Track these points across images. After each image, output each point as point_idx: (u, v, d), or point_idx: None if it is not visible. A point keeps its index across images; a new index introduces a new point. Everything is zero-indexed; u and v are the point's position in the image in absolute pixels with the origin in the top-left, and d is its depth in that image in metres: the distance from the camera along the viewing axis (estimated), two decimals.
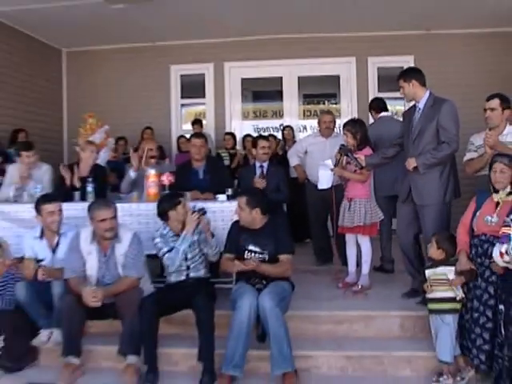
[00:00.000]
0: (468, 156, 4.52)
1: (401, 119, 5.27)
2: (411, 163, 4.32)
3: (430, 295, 3.81)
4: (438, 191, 4.32)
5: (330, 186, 5.11)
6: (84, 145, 5.62)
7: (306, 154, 6.09)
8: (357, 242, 5.00)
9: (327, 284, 5.23)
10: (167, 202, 4.33)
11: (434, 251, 3.91)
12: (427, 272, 3.86)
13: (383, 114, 5.80)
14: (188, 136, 7.63)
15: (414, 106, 4.53)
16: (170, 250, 4.22)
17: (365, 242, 4.92)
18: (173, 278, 4.33)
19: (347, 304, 4.57)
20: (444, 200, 4.35)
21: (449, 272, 3.74)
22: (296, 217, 6.79)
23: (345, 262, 5.30)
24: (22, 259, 4.41)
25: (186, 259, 4.27)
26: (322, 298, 4.73)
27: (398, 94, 4.66)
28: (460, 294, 3.68)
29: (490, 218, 3.74)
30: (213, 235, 4.38)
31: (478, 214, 3.83)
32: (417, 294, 4.51)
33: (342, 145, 4.91)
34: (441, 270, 3.78)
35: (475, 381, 3.68)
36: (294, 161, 6.25)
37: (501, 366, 3.40)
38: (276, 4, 7.01)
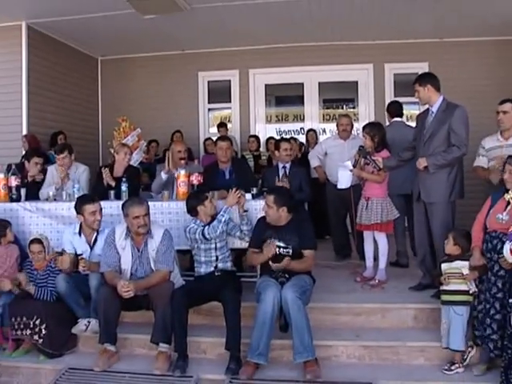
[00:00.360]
0: (477, 162, 4.63)
1: (413, 125, 5.42)
2: (421, 163, 4.48)
3: (444, 287, 3.95)
4: (445, 190, 4.48)
5: (348, 185, 5.26)
6: (118, 147, 5.78)
7: (326, 155, 6.26)
8: (374, 238, 5.14)
9: (346, 278, 5.36)
10: (195, 199, 4.56)
11: (450, 247, 4.03)
12: (443, 265, 3.99)
13: (396, 119, 5.90)
14: (214, 138, 7.86)
15: (428, 109, 4.68)
16: (208, 224, 4.44)
17: (381, 239, 5.06)
18: (202, 270, 4.51)
19: (364, 297, 4.71)
20: (449, 199, 4.50)
21: (463, 267, 3.87)
22: (316, 215, 6.94)
23: (362, 258, 5.46)
24: (61, 253, 4.55)
25: (215, 249, 4.48)
26: (341, 291, 4.88)
27: (413, 99, 4.79)
28: (473, 288, 3.82)
29: (501, 216, 3.83)
30: (245, 210, 4.66)
31: (491, 211, 3.94)
32: (424, 288, 4.70)
33: (361, 146, 5.06)
34: (456, 264, 3.91)
35: (483, 370, 3.80)
36: (314, 162, 6.44)
37: (510, 356, 3.50)
38: (298, 14, 7.16)
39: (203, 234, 4.41)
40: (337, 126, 6.29)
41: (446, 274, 3.96)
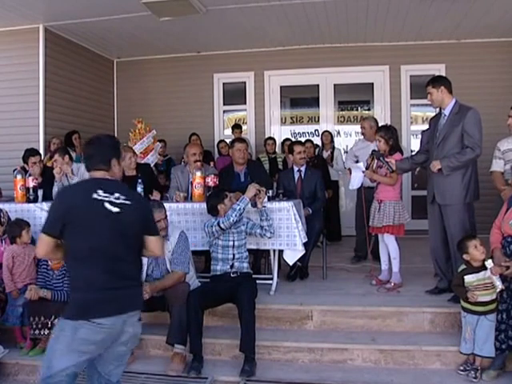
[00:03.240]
0: (493, 166, 4.53)
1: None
2: (435, 165, 4.48)
3: (478, 299, 3.77)
4: (460, 192, 4.47)
5: (359, 186, 5.28)
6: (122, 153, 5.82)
7: (357, 157, 6.34)
8: None
9: (361, 281, 5.36)
10: (215, 198, 4.60)
11: (475, 252, 3.82)
12: (468, 278, 3.81)
13: None
14: (228, 141, 7.88)
15: (440, 112, 4.69)
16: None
17: (391, 242, 5.02)
18: (218, 267, 4.52)
19: (380, 300, 4.69)
20: (465, 201, 4.48)
21: (488, 264, 3.70)
22: (333, 217, 7.02)
23: (375, 259, 5.48)
24: None
25: (233, 246, 4.50)
26: (356, 294, 4.88)
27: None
28: (500, 285, 3.66)
29: None
30: (264, 206, 4.68)
31: (505, 217, 3.90)
32: (441, 292, 4.68)
33: (374, 150, 5.08)
34: (483, 273, 3.75)
35: (494, 376, 3.76)
36: (347, 164, 6.54)
37: None
38: (313, 16, 7.16)
39: (218, 224, 4.42)
40: None
41: (473, 285, 3.79)
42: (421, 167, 5.01)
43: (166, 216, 4.34)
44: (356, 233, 6.58)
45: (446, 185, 4.51)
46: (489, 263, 3.71)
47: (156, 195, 5.31)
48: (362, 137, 6.49)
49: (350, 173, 6.38)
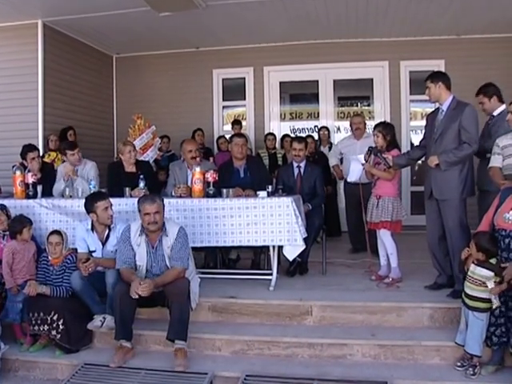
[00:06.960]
0: (492, 162, 4.43)
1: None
2: (433, 160, 4.49)
3: (467, 291, 3.78)
4: (458, 187, 4.47)
5: (358, 178, 5.29)
6: (121, 147, 5.81)
7: (342, 155, 6.38)
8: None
9: (361, 276, 5.35)
10: None
11: (474, 253, 3.80)
12: (471, 267, 3.78)
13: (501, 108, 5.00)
14: (227, 136, 7.87)
15: (438, 108, 4.71)
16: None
17: (386, 238, 5.04)
18: None
19: (380, 295, 4.67)
20: (462, 195, 4.50)
21: (487, 279, 3.66)
22: (332, 212, 7.03)
23: (374, 253, 5.45)
24: (76, 250, 4.67)
25: None
26: (356, 290, 4.88)
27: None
28: (497, 303, 3.62)
29: (507, 215, 3.75)
30: None
31: (499, 210, 3.85)
32: (440, 287, 4.68)
33: (371, 147, 5.09)
34: (479, 271, 3.72)
35: (492, 371, 3.76)
36: (332, 161, 6.70)
37: None
38: (313, 11, 7.16)
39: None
40: (350, 125, 6.52)
41: (470, 276, 3.79)
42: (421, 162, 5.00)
43: (159, 211, 4.27)
44: (348, 229, 6.68)
45: (444, 180, 4.52)
46: (490, 283, 3.66)
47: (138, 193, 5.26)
48: (351, 134, 6.55)
49: (336, 171, 6.52)
